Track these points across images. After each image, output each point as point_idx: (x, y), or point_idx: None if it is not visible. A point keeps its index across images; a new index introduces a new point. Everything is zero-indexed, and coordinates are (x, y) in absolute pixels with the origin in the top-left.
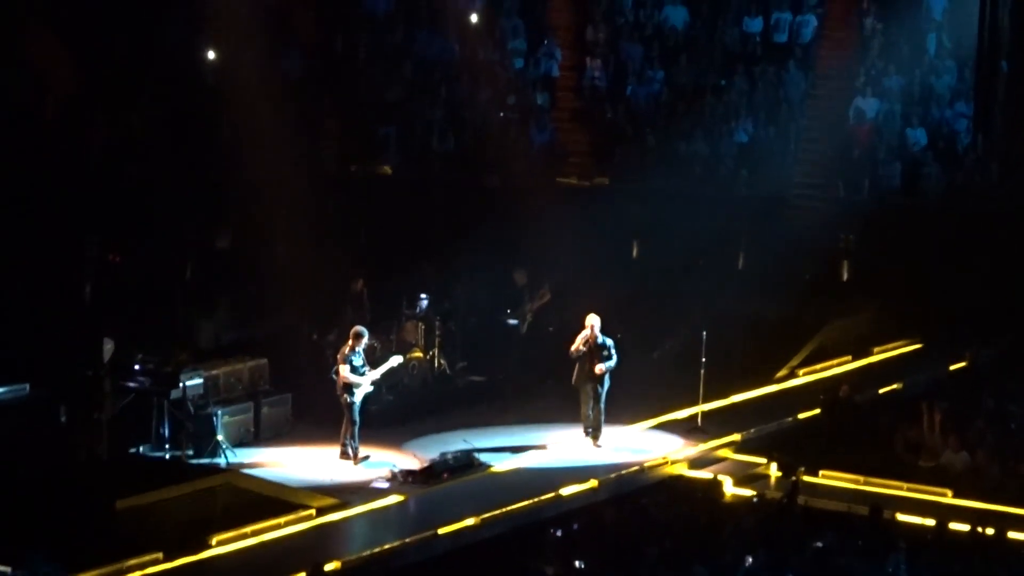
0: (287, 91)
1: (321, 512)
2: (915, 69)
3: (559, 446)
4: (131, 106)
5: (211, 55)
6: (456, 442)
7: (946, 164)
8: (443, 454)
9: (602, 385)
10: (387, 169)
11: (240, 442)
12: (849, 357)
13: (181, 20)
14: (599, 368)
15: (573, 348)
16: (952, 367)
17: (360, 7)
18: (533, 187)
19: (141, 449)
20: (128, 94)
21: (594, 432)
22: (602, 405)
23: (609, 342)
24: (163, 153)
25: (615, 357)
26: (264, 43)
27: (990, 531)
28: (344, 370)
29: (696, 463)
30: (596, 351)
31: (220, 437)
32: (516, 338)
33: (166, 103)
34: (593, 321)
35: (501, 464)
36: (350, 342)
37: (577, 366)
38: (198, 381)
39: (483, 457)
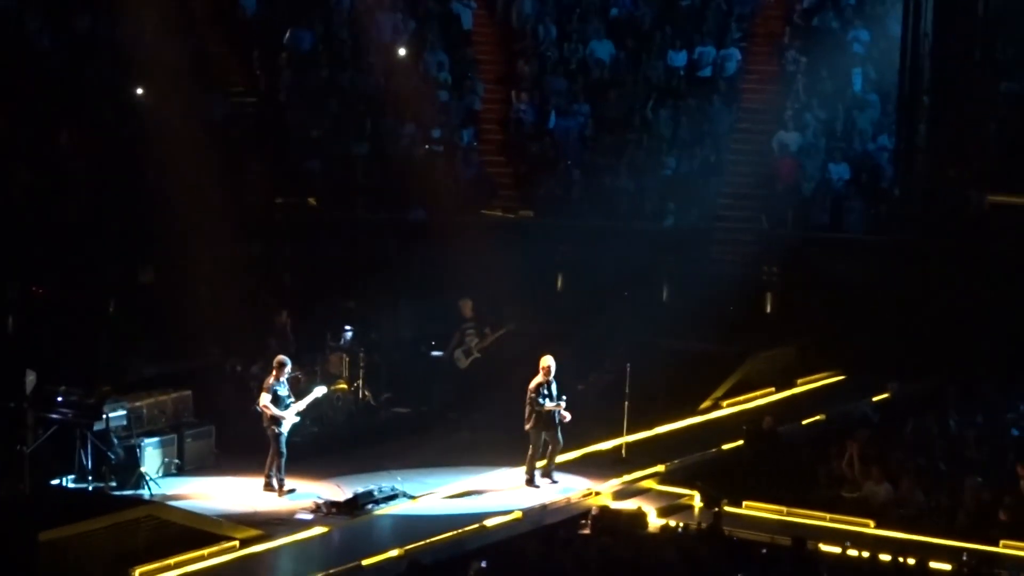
0: (212, 129)
1: (245, 544)
2: (838, 103)
3: (485, 478)
4: (55, 146)
5: (136, 95)
6: (380, 474)
7: (869, 198)
8: (367, 486)
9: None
10: (313, 201)
11: (164, 473)
12: (773, 389)
13: (106, 61)
14: (564, 414)
15: (551, 406)
16: (875, 399)
17: (282, 46)
18: (458, 220)
19: (64, 481)
20: (52, 134)
21: (547, 473)
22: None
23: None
24: (88, 190)
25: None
26: (189, 83)
27: (911, 561)
28: (264, 399)
29: (620, 494)
30: (549, 394)
31: (143, 469)
32: (442, 371)
33: (91, 142)
34: (549, 363)
35: (425, 496)
36: (274, 372)
37: (537, 412)
38: (121, 413)
39: (407, 488)
